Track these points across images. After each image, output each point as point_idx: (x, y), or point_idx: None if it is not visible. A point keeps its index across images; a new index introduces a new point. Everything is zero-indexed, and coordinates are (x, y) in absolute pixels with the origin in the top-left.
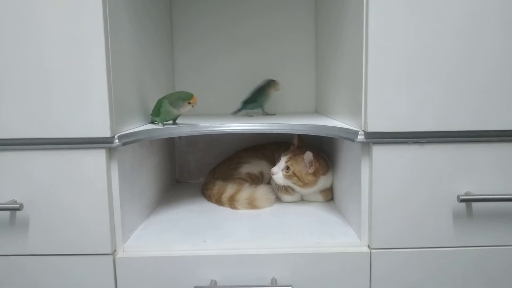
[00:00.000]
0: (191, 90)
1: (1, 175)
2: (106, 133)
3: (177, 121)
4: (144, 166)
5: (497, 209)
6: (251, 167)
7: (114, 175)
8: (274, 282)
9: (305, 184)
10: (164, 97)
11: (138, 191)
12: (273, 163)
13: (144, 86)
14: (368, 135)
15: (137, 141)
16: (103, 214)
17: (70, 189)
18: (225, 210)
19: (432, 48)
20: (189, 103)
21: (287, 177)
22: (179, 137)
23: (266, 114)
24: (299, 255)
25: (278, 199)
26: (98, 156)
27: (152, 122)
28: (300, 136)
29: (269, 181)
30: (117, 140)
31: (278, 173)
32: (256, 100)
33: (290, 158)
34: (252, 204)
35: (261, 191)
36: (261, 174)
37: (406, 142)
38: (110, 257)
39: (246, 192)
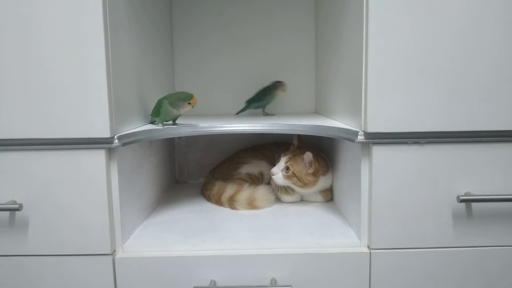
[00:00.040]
0: (191, 90)
1: (1, 175)
2: (106, 134)
3: (177, 122)
4: (144, 167)
5: (496, 210)
6: (251, 168)
7: (114, 175)
8: (273, 282)
9: (304, 185)
10: (164, 98)
11: (138, 191)
12: (273, 163)
13: (144, 86)
14: (368, 135)
15: (137, 141)
16: (102, 214)
17: (70, 189)
18: (225, 211)
19: (431, 48)
20: (189, 103)
21: (287, 177)
22: (179, 138)
23: (266, 114)
24: (299, 255)
25: (278, 200)
26: (98, 157)
27: (152, 122)
28: (300, 137)
29: (269, 182)
30: (116, 141)
31: (277, 173)
32: (261, 99)
33: (290, 158)
34: (251, 205)
35: (261, 192)
36: (261, 174)
37: (406, 143)
38: (110, 258)
39: (245, 192)
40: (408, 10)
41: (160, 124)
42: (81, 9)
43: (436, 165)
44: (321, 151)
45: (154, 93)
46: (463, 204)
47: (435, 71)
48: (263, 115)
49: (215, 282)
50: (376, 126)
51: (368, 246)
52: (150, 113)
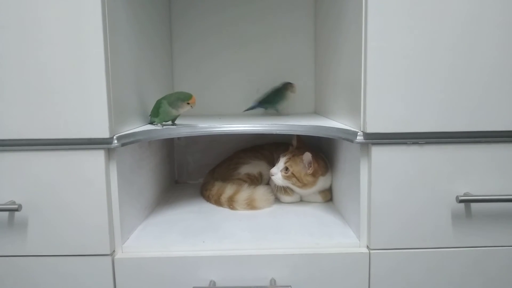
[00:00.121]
0: (190, 90)
1: (0, 176)
2: (105, 134)
3: (176, 122)
4: (143, 167)
5: (496, 210)
6: (250, 168)
7: (113, 175)
8: (273, 282)
9: (304, 185)
10: (163, 98)
11: (137, 191)
12: (272, 163)
13: (143, 86)
14: (367, 135)
15: (136, 141)
16: (102, 214)
17: (69, 189)
18: (224, 211)
19: (431, 48)
20: (188, 103)
21: (286, 177)
22: (178, 138)
23: (272, 113)
24: (298, 255)
25: (277, 200)
26: (97, 157)
27: (151, 122)
28: (299, 137)
29: (268, 182)
30: (116, 141)
31: (277, 173)
32: (271, 100)
33: (289, 159)
34: (251, 205)
35: (260, 192)
36: (260, 174)
37: (405, 143)
38: (109, 258)
39: (245, 192)
40: (408, 10)
41: (159, 124)
42: (81, 10)
43: (435, 165)
44: (320, 152)
45: (153, 93)
46: (462, 205)
47: (434, 71)
48: (269, 112)
49: (214, 283)
50: (375, 126)
51: (367, 246)
52: (149, 113)
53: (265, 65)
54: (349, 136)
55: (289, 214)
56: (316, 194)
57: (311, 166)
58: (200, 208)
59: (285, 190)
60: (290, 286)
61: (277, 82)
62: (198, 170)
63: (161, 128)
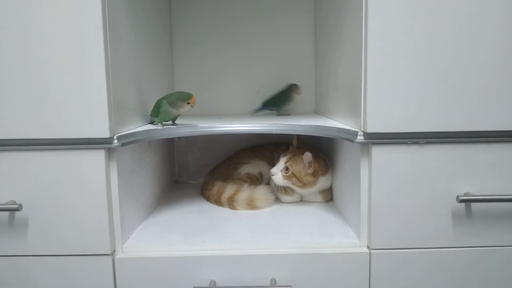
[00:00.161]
0: (190, 90)
1: (0, 175)
2: (105, 134)
3: (176, 122)
4: (143, 167)
5: (496, 210)
6: (250, 168)
7: (113, 175)
8: (273, 282)
9: (304, 185)
10: (163, 98)
11: (137, 191)
12: (273, 163)
13: (144, 86)
14: (367, 135)
15: (136, 141)
16: (102, 214)
17: (69, 189)
18: (225, 211)
19: (431, 48)
20: (188, 103)
21: (287, 177)
22: (179, 138)
23: (280, 114)
24: (299, 255)
25: (278, 200)
26: (97, 157)
27: (151, 122)
28: (299, 137)
29: (268, 182)
30: (116, 141)
31: (277, 173)
32: (277, 102)
33: (289, 158)
34: (251, 205)
35: (261, 192)
36: (261, 174)
37: (405, 143)
38: (109, 258)
39: (245, 192)
40: (408, 9)
41: (159, 124)
42: (81, 10)
43: (435, 165)
44: (320, 151)
45: (154, 93)
46: (462, 204)
47: (434, 71)
48: (277, 115)
49: (214, 282)
50: (376, 126)
51: (367, 246)
52: (150, 113)
53: (265, 65)
54: (350, 136)
55: (290, 214)
56: (317, 194)
57: (311, 166)
58: (200, 208)
59: (286, 190)
60: (291, 286)
61: (277, 82)
62: (198, 170)
63: (161, 128)
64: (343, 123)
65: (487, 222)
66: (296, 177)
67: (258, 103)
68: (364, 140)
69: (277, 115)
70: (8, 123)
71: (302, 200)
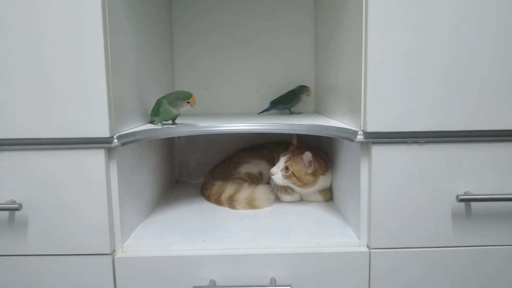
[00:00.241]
0: (190, 89)
1: (0, 175)
2: (105, 133)
3: (176, 121)
4: (143, 166)
5: (496, 209)
6: (250, 167)
7: (113, 175)
8: (273, 282)
9: (304, 184)
10: (163, 97)
11: (137, 191)
12: (272, 163)
13: (144, 86)
14: (367, 135)
15: (136, 141)
16: (102, 214)
17: (69, 189)
18: (225, 210)
19: (431, 47)
20: (188, 102)
21: (286, 177)
22: (179, 137)
23: (292, 113)
24: (298, 255)
25: (278, 199)
26: (97, 156)
27: (151, 122)
28: (299, 136)
29: (268, 181)
30: (116, 140)
31: (277, 173)
32: (287, 102)
33: (289, 158)
34: (251, 204)
35: (260, 191)
36: (260, 174)
37: (405, 142)
38: (109, 257)
39: (245, 192)
40: (408, 9)
41: (159, 123)
42: (81, 9)
43: (435, 164)
44: (320, 151)
45: (154, 92)
46: (462, 204)
47: (434, 70)
48: (289, 113)
49: (214, 282)
50: (376, 125)
51: (367, 245)
52: (150, 112)
53: (266, 64)
54: (349, 135)
55: (289, 214)
56: (316, 194)
57: (311, 166)
58: (200, 208)
59: (285, 189)
60: (290, 286)
61: (277, 81)
62: (198, 170)
63: (161, 127)
64: (343, 122)
65: (486, 222)
66: (296, 177)
67: (258, 103)
68: (364, 140)
69: (289, 113)
70: (7, 122)
71: (302, 200)
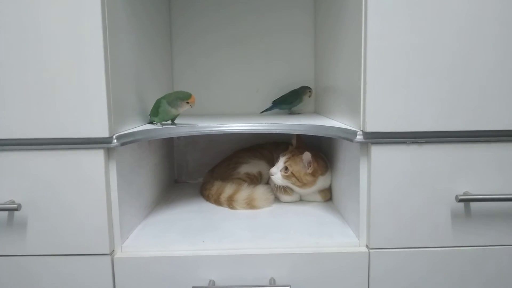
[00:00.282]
0: (190, 89)
1: (0, 175)
2: (105, 133)
3: (175, 121)
4: (143, 166)
5: (495, 209)
6: (249, 167)
7: (113, 175)
8: (272, 282)
9: (303, 184)
10: (162, 97)
11: (137, 191)
12: (272, 163)
13: (143, 86)
14: (367, 135)
15: (135, 141)
16: (101, 214)
17: (69, 189)
18: (224, 210)
19: (431, 48)
20: (188, 102)
21: (286, 177)
22: (178, 137)
23: (292, 113)
24: (298, 255)
25: (277, 199)
26: (97, 156)
27: (151, 122)
28: (298, 136)
29: (267, 181)
30: (115, 140)
31: (276, 173)
32: (289, 102)
33: (289, 158)
34: (250, 204)
35: (260, 191)
36: (260, 174)
37: (405, 142)
38: (109, 257)
39: (244, 192)
40: (407, 9)
41: (158, 123)
42: (80, 10)
43: (435, 164)
44: (320, 151)
45: (153, 93)
46: (461, 204)
47: (434, 70)
48: (289, 113)
49: (214, 282)
50: (375, 125)
51: (367, 245)
52: (149, 112)
53: (265, 64)
54: (349, 135)
55: (289, 214)
56: (316, 194)
57: (310, 166)
58: (200, 208)
59: (285, 189)
60: (290, 286)
61: (276, 81)
62: (198, 170)
63: (161, 127)
64: (343, 122)
65: (486, 222)
66: (296, 177)
67: (257, 103)
68: (363, 140)
69: (289, 113)
70: (7, 122)
71: (301, 200)
